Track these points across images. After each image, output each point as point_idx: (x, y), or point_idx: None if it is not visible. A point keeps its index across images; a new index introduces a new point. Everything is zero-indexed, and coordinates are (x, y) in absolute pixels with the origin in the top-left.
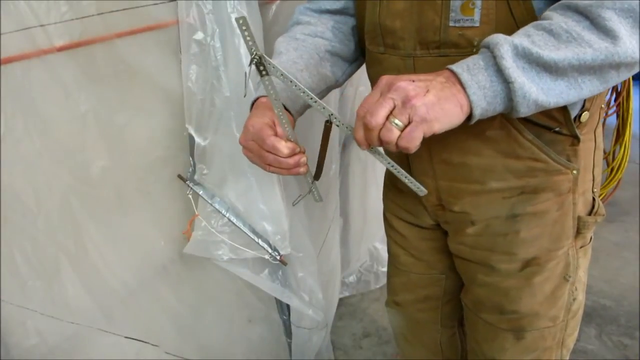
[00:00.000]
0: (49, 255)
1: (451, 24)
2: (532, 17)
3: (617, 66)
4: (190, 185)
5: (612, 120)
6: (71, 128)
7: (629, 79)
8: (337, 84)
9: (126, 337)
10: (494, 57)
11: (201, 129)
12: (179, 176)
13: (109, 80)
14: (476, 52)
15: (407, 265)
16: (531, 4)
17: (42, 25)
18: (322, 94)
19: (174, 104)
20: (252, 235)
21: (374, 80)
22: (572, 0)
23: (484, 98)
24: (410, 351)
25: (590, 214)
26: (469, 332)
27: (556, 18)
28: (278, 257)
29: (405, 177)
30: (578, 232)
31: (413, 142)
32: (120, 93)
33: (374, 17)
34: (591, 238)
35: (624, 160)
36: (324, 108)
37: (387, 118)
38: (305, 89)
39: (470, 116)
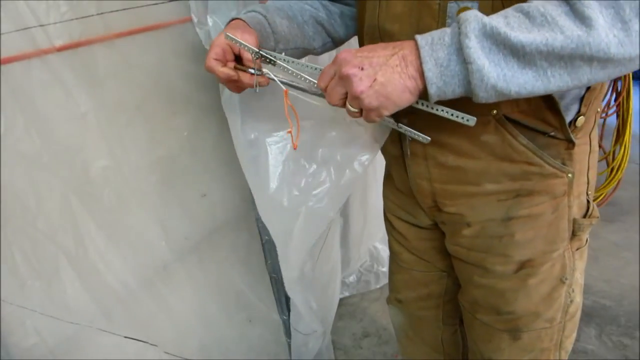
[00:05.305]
0: (49, 255)
1: None
2: None
3: (589, 60)
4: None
5: (612, 120)
6: (71, 128)
7: (628, 78)
8: (315, 52)
9: (126, 337)
10: (460, 34)
11: None
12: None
13: (109, 80)
14: None
15: (409, 263)
16: None
17: (42, 25)
18: (297, 53)
19: (174, 104)
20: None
21: None
22: None
23: (440, 77)
24: (411, 348)
25: (585, 216)
26: (467, 332)
27: (537, 1)
28: None
29: (447, 112)
30: (573, 234)
31: (374, 120)
32: (120, 93)
33: (373, 19)
34: (587, 240)
35: (624, 160)
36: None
37: (345, 99)
38: (305, 76)
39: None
